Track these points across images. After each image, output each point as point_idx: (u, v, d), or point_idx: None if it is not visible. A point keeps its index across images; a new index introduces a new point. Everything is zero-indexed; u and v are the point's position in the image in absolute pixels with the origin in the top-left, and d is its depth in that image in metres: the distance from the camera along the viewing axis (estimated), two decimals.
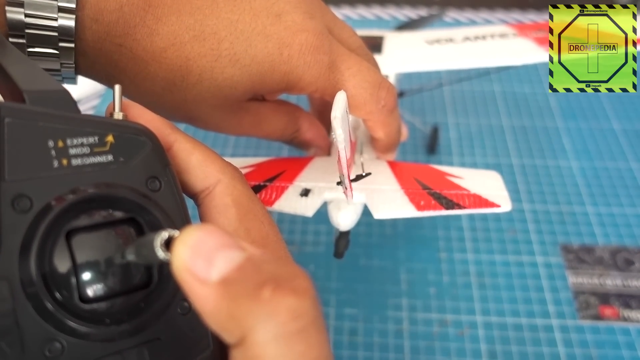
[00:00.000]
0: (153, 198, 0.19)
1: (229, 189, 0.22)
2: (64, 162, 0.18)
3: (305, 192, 0.29)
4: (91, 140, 0.18)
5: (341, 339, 0.37)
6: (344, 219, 0.28)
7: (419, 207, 0.28)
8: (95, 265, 0.18)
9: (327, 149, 0.35)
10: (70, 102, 0.19)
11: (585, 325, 0.38)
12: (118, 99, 0.21)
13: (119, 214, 0.19)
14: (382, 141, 0.32)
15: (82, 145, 0.18)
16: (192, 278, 0.15)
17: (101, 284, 0.18)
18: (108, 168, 0.19)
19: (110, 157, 0.19)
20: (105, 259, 0.18)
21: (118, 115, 0.20)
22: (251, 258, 0.16)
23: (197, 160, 0.22)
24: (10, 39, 0.23)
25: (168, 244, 0.16)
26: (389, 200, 0.28)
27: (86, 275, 0.18)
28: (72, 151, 0.18)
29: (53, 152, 0.18)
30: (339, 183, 0.29)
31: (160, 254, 0.16)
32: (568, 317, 0.38)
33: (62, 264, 0.17)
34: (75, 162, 0.18)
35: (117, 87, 0.21)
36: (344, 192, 0.27)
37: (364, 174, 0.30)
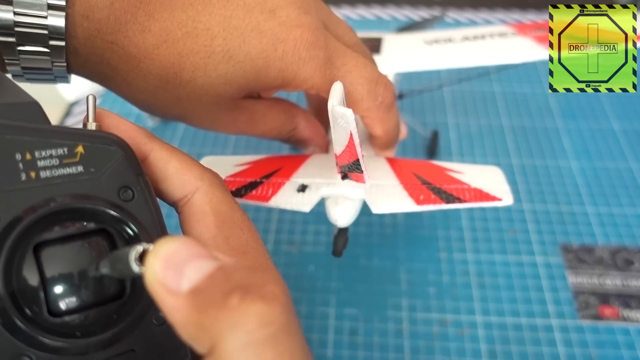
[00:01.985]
0: (125, 208, 0.19)
1: (208, 196, 0.22)
2: (32, 174, 0.18)
3: (303, 188, 0.28)
4: (60, 151, 0.18)
5: (341, 339, 0.37)
6: (342, 214, 0.28)
7: (419, 202, 0.27)
8: (64, 278, 0.18)
9: (325, 147, 0.35)
10: (39, 114, 0.19)
11: (585, 325, 0.38)
12: (92, 110, 0.21)
13: (89, 225, 0.18)
14: (380, 138, 0.32)
15: (50, 157, 0.18)
16: (163, 290, 0.15)
17: (70, 297, 0.18)
18: (78, 179, 0.19)
19: (80, 168, 0.19)
20: (75, 271, 0.18)
21: (91, 125, 0.20)
22: (222, 267, 0.16)
23: (174, 168, 0.22)
24: (0, 38, 0.23)
25: (143, 257, 0.16)
26: (387, 194, 0.28)
27: (55, 289, 0.18)
28: (41, 163, 0.18)
29: (21, 165, 0.18)
30: (344, 177, 0.28)
31: (135, 268, 0.16)
32: (568, 317, 0.38)
33: (29, 278, 0.17)
34: (44, 174, 0.18)
35: (90, 98, 0.21)
36: (356, 178, 0.27)
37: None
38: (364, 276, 0.41)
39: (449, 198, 0.27)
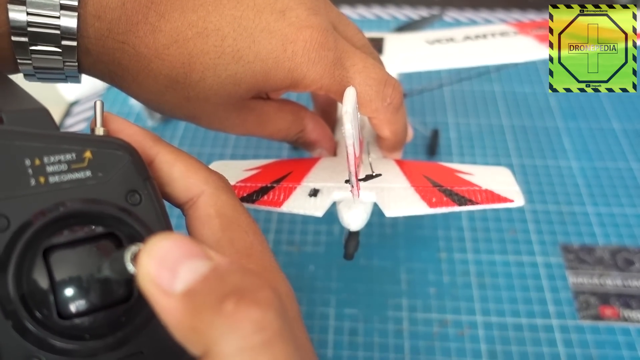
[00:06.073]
0: (133, 212, 0.19)
1: (212, 199, 0.22)
2: (42, 180, 0.18)
3: (314, 192, 0.28)
4: (69, 157, 0.19)
5: (341, 339, 0.37)
6: (354, 218, 0.28)
7: (431, 204, 0.27)
8: (73, 281, 0.18)
9: (333, 149, 0.34)
10: (48, 120, 0.19)
11: (585, 325, 0.38)
12: (99, 115, 0.21)
13: (98, 229, 0.19)
14: (388, 140, 0.32)
15: (59, 162, 0.19)
16: (157, 290, 0.15)
17: (80, 300, 0.18)
18: (86, 184, 0.19)
19: (88, 173, 0.19)
20: (83, 275, 0.18)
21: (99, 130, 0.21)
22: (216, 268, 0.16)
23: (179, 172, 0.22)
24: (13, 38, 0.23)
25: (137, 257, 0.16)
26: (400, 198, 0.28)
27: (64, 292, 0.18)
28: (50, 169, 0.18)
29: (30, 171, 0.18)
30: (347, 181, 0.28)
31: (131, 268, 0.16)
32: (568, 317, 0.38)
33: (39, 282, 0.18)
34: (53, 179, 0.18)
35: (97, 103, 0.21)
36: (351, 190, 0.27)
37: (373, 174, 0.29)
38: (364, 276, 0.41)
39: (461, 200, 0.27)
